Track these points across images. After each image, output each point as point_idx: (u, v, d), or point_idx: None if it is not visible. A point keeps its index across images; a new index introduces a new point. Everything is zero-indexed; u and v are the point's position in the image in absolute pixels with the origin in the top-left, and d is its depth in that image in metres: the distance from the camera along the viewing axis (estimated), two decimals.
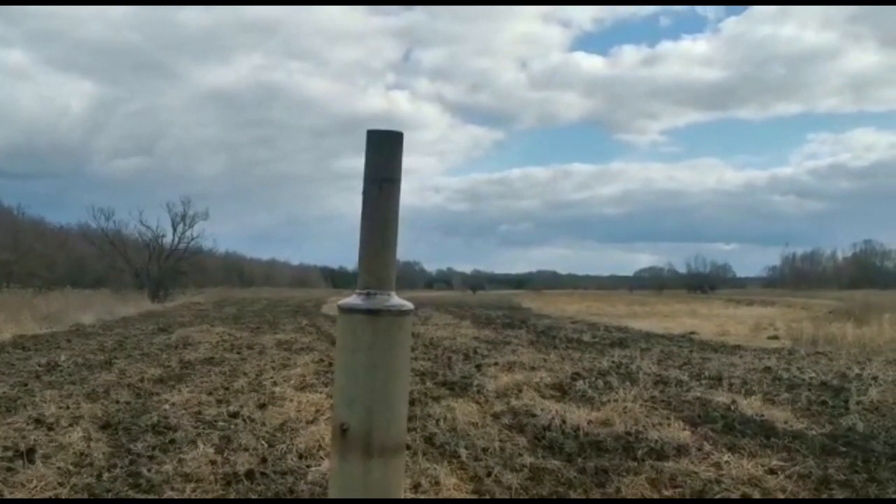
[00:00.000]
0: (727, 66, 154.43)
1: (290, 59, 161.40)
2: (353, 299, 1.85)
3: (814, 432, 6.34)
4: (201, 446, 5.55)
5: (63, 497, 4.48)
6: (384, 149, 1.78)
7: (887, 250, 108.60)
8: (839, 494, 4.56)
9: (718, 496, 4.44)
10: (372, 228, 1.60)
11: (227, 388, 8.47)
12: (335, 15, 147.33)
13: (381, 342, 1.31)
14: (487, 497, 4.59)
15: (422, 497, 4.53)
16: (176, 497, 4.49)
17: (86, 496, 4.51)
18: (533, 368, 10.30)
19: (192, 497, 4.52)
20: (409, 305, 1.43)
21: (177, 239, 45.78)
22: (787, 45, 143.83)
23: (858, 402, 7.74)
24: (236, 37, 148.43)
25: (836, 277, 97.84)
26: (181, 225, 45.35)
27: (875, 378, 9.59)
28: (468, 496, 4.61)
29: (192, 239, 46.15)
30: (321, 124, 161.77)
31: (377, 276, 1.49)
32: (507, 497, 4.61)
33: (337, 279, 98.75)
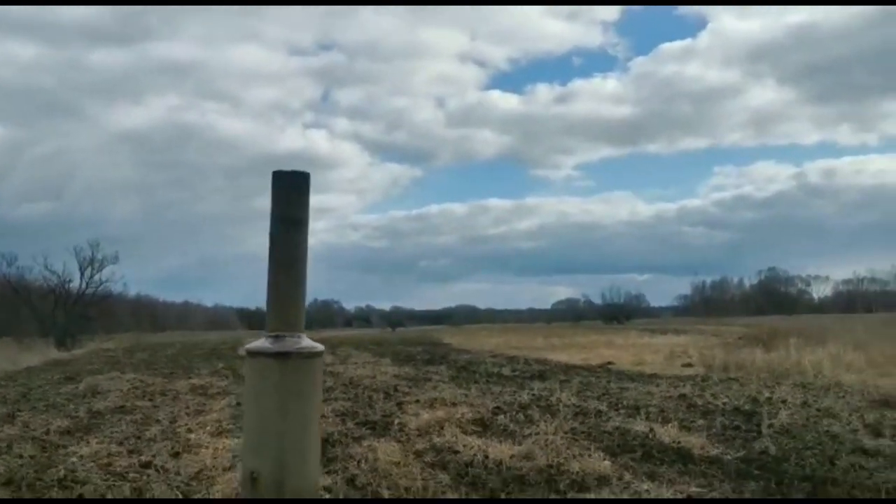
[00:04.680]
0: (637, 102, 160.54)
1: (206, 99, 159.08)
2: (261, 343, 1.75)
3: (729, 457, 6.48)
4: None
5: None
6: (291, 189, 1.71)
7: (790, 276, 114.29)
8: None
9: None
10: (279, 270, 1.53)
11: (138, 437, 8.07)
12: (253, 56, 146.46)
13: (290, 386, 1.24)
14: None
15: None
16: None
17: None
18: (454, 404, 10.23)
19: None
20: (320, 347, 1.37)
21: (84, 284, 43.97)
22: (691, 83, 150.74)
23: (770, 426, 7.98)
24: (150, 78, 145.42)
25: (744, 304, 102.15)
26: (89, 269, 43.63)
27: (784, 401, 9.94)
28: None
29: (101, 283, 44.46)
30: (237, 164, 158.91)
31: (286, 318, 1.42)
32: None
33: (253, 320, 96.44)
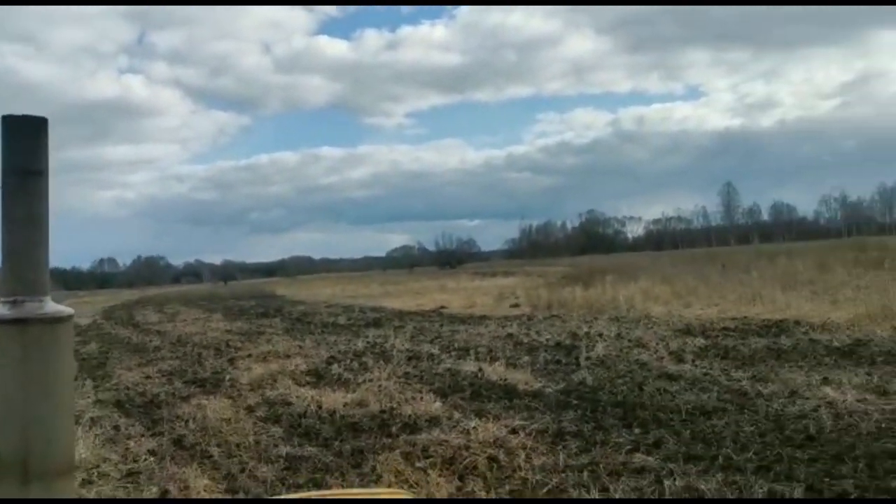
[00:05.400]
0: (465, 52, 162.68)
1: (4, 41, 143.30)
2: None
3: (550, 390, 6.88)
4: None
5: None
6: (25, 137, 1.54)
7: (608, 218, 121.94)
8: (572, 445, 4.97)
9: (467, 460, 4.64)
10: (16, 227, 1.37)
11: None
12: None
13: (33, 356, 1.12)
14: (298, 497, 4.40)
15: None
16: None
17: None
18: (288, 356, 10.12)
19: None
20: (68, 311, 1.25)
21: None
22: (515, 33, 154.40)
23: (587, 358, 8.53)
24: None
25: (567, 245, 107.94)
26: None
27: (600, 335, 10.66)
28: (221, 495, 4.39)
29: None
30: (44, 112, 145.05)
31: (25, 280, 1.28)
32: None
33: (70, 280, 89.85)
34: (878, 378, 6.46)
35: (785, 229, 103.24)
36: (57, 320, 1.18)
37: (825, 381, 6.48)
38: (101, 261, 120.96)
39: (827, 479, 3.97)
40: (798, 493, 3.78)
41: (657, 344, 9.34)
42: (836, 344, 8.46)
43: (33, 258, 1.17)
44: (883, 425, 4.96)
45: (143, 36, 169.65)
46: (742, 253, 43.67)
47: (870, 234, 68.39)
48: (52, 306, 1.18)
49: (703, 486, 3.94)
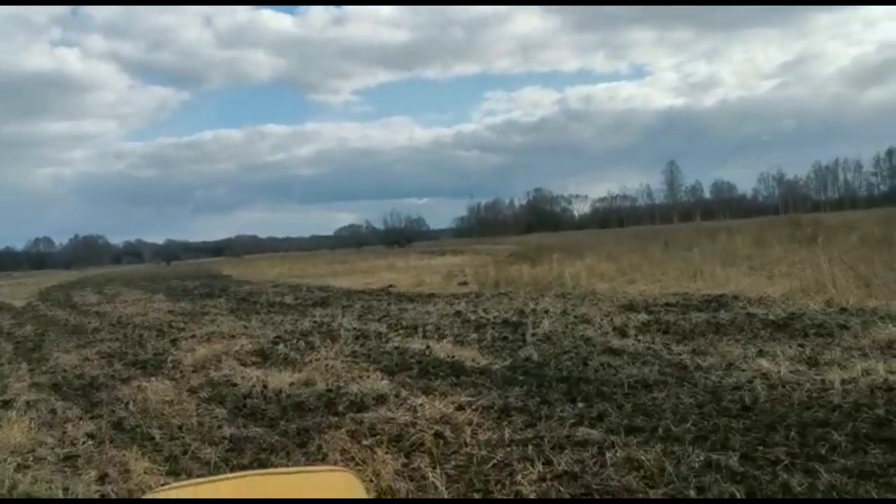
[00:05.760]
0: (413, 28, 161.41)
1: None
2: None
3: (497, 366, 6.95)
4: None
5: None
6: None
7: (555, 196, 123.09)
8: (518, 420, 5.04)
9: (414, 437, 4.67)
10: None
11: None
12: None
13: None
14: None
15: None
16: None
17: None
18: (233, 337, 10.00)
19: None
20: None
21: None
22: (464, 11, 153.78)
23: (534, 335, 8.63)
24: None
25: (515, 223, 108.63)
26: None
27: (547, 311, 10.79)
28: (163, 478, 4.33)
29: None
30: None
31: None
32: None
33: (4, 261, 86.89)
34: (811, 350, 6.69)
35: (725, 207, 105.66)
36: None
37: (760, 353, 6.68)
38: (37, 240, 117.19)
39: (761, 448, 4.11)
40: (733, 461, 3.91)
41: (601, 320, 9.50)
42: (771, 317, 8.72)
43: None
44: (814, 395, 5.15)
45: (77, 8, 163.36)
46: (684, 230, 44.60)
47: (805, 212, 70.53)
48: None
49: (643, 457, 4.03)
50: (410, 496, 3.80)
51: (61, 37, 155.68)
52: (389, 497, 3.78)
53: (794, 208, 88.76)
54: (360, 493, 1.41)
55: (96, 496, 4.14)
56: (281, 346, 8.83)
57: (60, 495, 4.14)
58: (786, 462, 3.86)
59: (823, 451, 3.99)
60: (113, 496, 4.11)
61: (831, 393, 5.14)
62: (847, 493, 3.45)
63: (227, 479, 1.63)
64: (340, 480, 1.56)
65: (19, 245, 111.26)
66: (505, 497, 3.76)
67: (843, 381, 5.35)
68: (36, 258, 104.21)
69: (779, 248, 18.54)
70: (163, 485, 4.19)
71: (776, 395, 5.22)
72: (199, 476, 4.28)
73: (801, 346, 6.95)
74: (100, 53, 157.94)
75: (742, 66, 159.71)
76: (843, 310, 8.86)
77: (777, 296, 10.49)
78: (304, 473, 1.72)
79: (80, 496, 4.12)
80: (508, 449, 4.41)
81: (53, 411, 6.23)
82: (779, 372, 5.85)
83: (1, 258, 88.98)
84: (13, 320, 15.80)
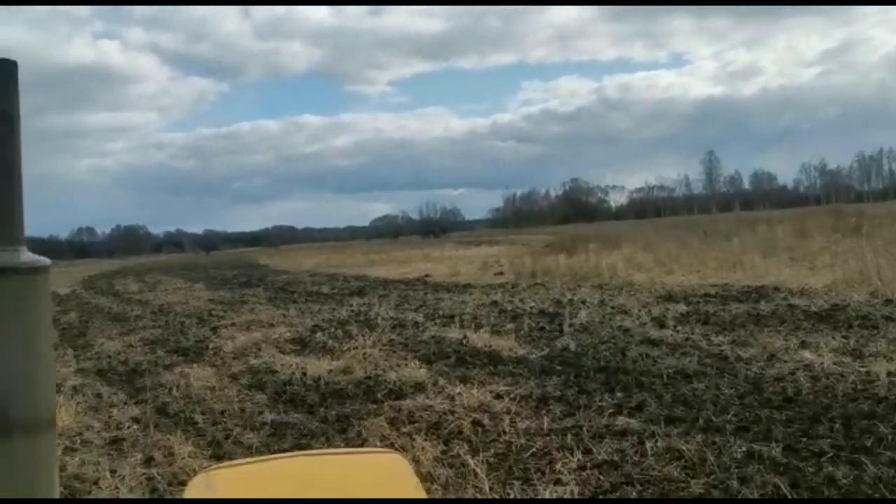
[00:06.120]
0: (448, 17, 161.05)
1: None
2: None
3: (534, 356, 6.94)
4: None
5: None
6: None
7: (591, 187, 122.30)
8: (556, 409, 5.04)
9: (452, 425, 4.69)
10: None
11: None
12: None
13: (9, 307, 1.11)
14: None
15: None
16: None
17: None
18: (272, 325, 10.14)
19: None
20: (45, 261, 1.24)
21: None
22: None
23: (571, 325, 8.60)
24: None
25: (551, 214, 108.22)
26: None
27: (584, 302, 10.74)
28: (207, 462, 4.41)
29: None
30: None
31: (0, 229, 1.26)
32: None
33: (48, 250, 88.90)
34: (854, 341, 6.57)
35: (765, 197, 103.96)
36: (34, 270, 1.16)
37: (803, 344, 6.58)
38: (80, 230, 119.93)
39: (804, 439, 4.06)
40: (776, 452, 3.86)
41: (639, 310, 9.43)
42: (813, 309, 8.58)
43: (7, 207, 1.14)
44: (858, 387, 5.06)
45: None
46: (723, 221, 43.93)
47: (848, 203, 69.02)
48: (29, 255, 1.17)
49: (683, 447, 4.01)
50: (450, 483, 3.82)
51: (104, 29, 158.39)
52: (430, 484, 3.80)
53: (836, 199, 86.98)
54: (409, 474, 1.42)
55: (142, 478, 4.23)
56: (319, 335, 8.93)
57: (107, 477, 4.24)
58: (830, 454, 3.81)
59: (869, 444, 3.92)
60: (158, 479, 4.20)
61: (877, 385, 5.05)
62: (894, 485, 3.39)
63: (276, 458, 1.66)
64: (389, 461, 1.58)
65: (63, 234, 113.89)
66: (545, 485, 3.77)
67: (889, 374, 5.25)
68: (79, 247, 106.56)
69: (821, 239, 18.19)
70: (207, 466, 4.27)
71: (819, 387, 5.14)
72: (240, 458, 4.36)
73: (844, 337, 6.83)
74: (140, 45, 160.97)
75: (783, 54, 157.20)
76: (889, 301, 8.68)
77: (819, 287, 10.30)
78: (352, 454, 1.74)
79: (126, 478, 4.22)
80: (547, 437, 4.41)
81: (99, 396, 6.38)
82: (822, 363, 5.75)
83: (45, 247, 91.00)
84: (58, 307, 16.19)
